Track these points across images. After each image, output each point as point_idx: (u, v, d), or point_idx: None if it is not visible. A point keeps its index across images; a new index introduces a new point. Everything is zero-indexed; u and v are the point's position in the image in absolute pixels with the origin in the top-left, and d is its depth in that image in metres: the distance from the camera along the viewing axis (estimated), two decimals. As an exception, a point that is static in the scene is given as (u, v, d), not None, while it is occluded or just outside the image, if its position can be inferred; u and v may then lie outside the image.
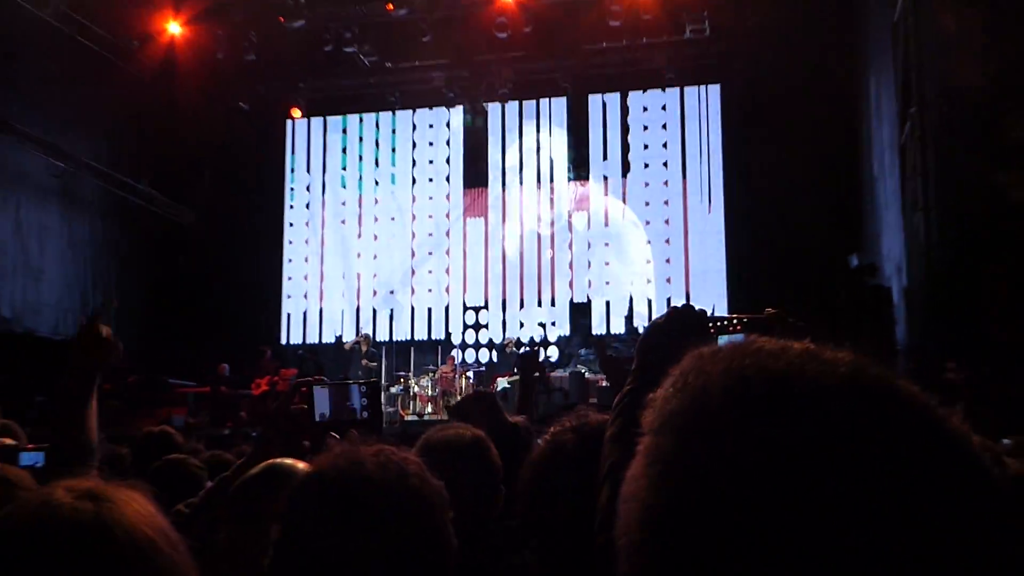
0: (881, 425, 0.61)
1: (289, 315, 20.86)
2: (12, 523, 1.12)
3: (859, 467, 0.59)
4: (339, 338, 19.69)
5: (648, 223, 19.67)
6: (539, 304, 19.75)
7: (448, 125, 20.82)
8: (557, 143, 20.36)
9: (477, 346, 19.43)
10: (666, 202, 19.71)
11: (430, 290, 20.17)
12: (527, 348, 16.68)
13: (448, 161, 20.77)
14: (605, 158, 20.12)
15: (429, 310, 19.91)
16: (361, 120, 21.23)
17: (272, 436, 2.61)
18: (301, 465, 2.09)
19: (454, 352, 18.61)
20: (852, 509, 0.58)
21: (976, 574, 0.59)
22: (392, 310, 20.16)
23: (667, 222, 19.62)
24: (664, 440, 0.67)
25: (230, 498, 2.14)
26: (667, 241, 19.57)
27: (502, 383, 16.23)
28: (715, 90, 19.69)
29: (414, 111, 20.87)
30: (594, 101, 20.22)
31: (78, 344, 2.70)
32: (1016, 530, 0.61)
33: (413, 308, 19.74)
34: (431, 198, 20.75)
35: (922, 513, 0.58)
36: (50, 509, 1.11)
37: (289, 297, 21.07)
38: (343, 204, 21.19)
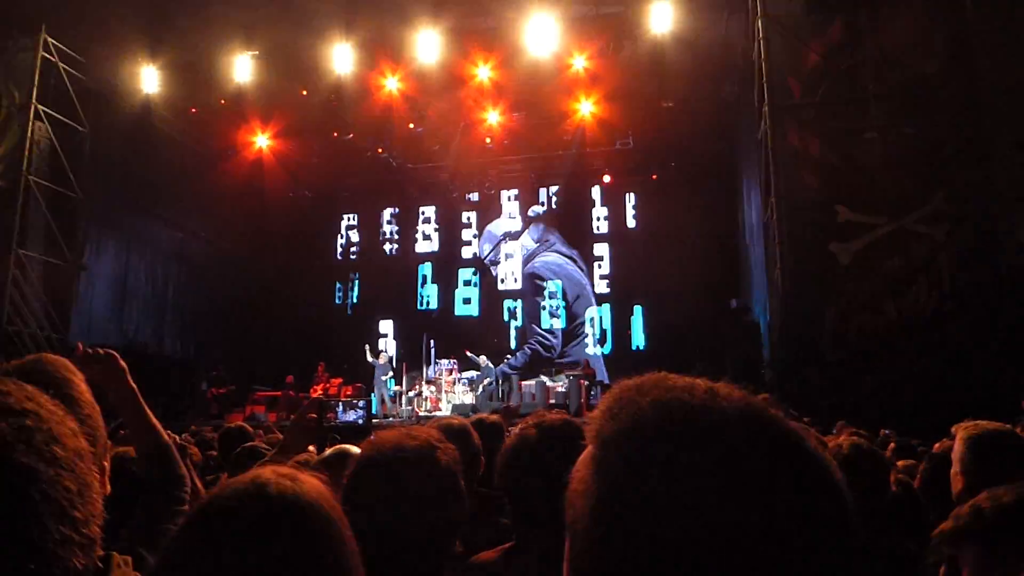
0: (763, 445, 0.60)
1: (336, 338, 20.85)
2: (234, 493, 1.01)
3: (747, 475, 0.58)
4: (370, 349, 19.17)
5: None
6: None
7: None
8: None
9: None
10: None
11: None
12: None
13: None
14: (560, 230, 20.32)
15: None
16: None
17: (297, 433, 2.64)
18: (356, 449, 2.11)
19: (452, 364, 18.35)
20: (745, 507, 0.56)
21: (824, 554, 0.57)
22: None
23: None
24: (608, 454, 0.63)
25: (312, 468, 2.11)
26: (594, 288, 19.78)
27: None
28: (636, 184, 19.77)
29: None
30: (551, 190, 20.43)
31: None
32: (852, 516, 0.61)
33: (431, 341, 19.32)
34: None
35: (787, 503, 0.58)
36: (262, 483, 1.01)
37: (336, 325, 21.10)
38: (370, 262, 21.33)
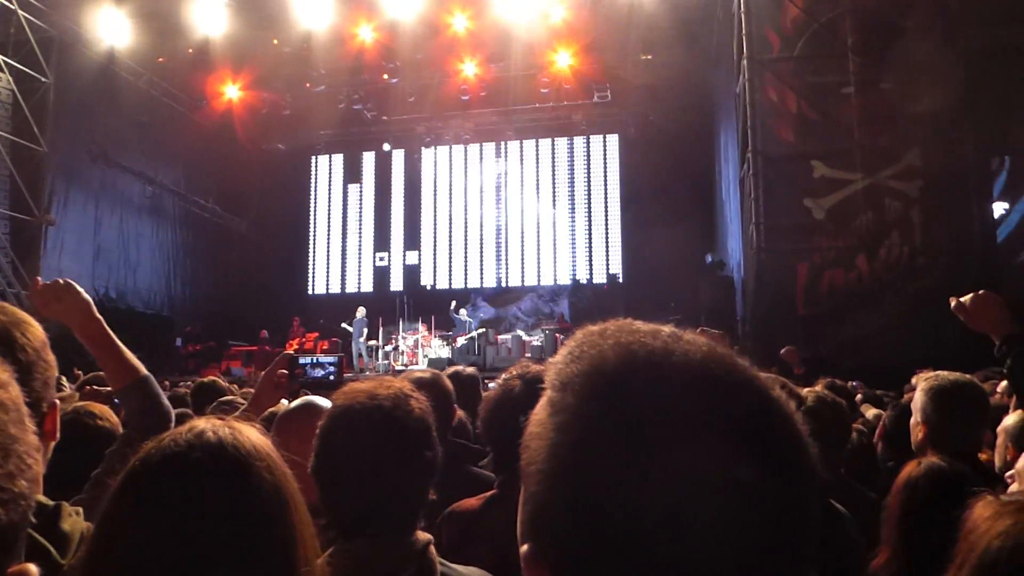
0: (724, 390, 0.59)
1: (312, 293, 20.89)
2: (173, 443, 1.00)
3: (707, 417, 0.56)
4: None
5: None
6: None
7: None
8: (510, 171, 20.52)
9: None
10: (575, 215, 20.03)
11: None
12: None
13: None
14: (537, 185, 20.31)
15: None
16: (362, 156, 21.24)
17: (267, 388, 2.62)
18: (325, 401, 2.03)
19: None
20: (703, 441, 0.55)
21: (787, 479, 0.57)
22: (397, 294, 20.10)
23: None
24: (567, 397, 0.60)
25: (279, 420, 2.05)
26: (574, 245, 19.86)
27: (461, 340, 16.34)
28: (613, 138, 19.88)
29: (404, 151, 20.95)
30: (528, 144, 20.37)
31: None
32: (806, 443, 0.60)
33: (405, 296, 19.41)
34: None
35: (748, 431, 0.57)
36: (200, 432, 1.02)
37: (313, 279, 21.10)
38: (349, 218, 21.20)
